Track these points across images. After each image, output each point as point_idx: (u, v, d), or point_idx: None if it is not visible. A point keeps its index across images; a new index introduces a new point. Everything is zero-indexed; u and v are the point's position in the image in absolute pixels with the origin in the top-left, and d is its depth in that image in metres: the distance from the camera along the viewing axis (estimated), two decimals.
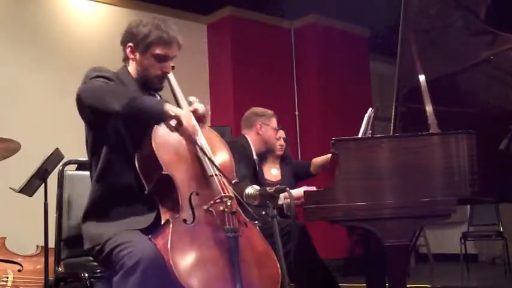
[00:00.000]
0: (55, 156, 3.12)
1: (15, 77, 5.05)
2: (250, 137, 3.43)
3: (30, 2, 5.33)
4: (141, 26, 2.20)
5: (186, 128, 2.04)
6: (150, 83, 2.24)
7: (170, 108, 2.02)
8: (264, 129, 3.45)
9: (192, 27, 6.35)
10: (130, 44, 2.23)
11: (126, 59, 2.28)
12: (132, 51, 2.23)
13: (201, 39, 6.48)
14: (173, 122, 2.05)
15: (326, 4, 6.10)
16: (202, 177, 2.11)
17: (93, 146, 2.15)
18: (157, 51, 2.18)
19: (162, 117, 2.02)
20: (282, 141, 3.76)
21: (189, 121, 2.06)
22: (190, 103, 2.24)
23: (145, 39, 2.18)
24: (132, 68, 2.27)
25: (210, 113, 2.40)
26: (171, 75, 2.27)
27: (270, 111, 3.53)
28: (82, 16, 5.65)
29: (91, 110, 2.02)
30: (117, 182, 2.10)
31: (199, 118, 2.21)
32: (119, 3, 5.90)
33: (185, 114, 2.06)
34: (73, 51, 5.45)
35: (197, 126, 2.11)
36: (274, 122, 3.51)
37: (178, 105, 2.23)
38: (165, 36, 2.18)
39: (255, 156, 3.37)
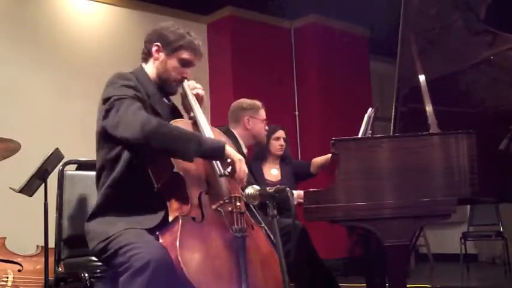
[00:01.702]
0: (55, 156, 3.12)
1: (15, 77, 5.05)
2: (238, 131, 3.30)
3: (30, 2, 5.33)
4: (173, 29, 2.26)
5: (238, 175, 2.03)
6: (168, 86, 2.27)
7: (229, 152, 2.03)
8: (252, 123, 3.33)
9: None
10: (157, 43, 2.25)
11: (146, 58, 2.29)
12: (158, 51, 2.25)
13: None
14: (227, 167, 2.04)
15: (326, 4, 6.09)
16: (212, 177, 2.12)
17: (108, 160, 2.12)
18: (185, 55, 2.25)
19: (221, 159, 2.04)
20: (282, 141, 3.75)
21: (242, 167, 2.04)
22: (192, 88, 2.29)
23: (176, 41, 2.24)
24: (150, 67, 2.28)
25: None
26: (185, 81, 2.30)
27: (257, 103, 3.40)
28: (82, 16, 5.65)
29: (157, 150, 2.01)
30: (128, 190, 2.09)
31: (200, 100, 2.28)
32: (119, 3, 5.90)
33: (240, 159, 2.04)
34: (73, 51, 5.45)
35: (247, 170, 2.08)
36: (262, 114, 3.38)
37: (191, 109, 2.26)
38: (195, 43, 2.27)
39: (244, 150, 3.28)
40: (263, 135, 3.44)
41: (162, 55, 2.25)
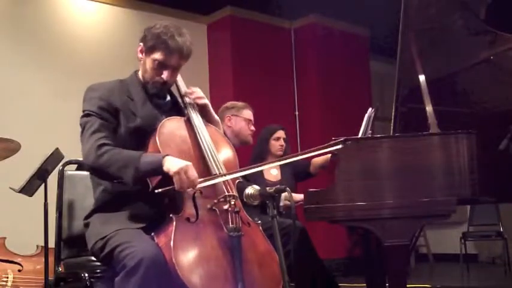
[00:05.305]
0: (55, 156, 3.12)
1: (15, 77, 5.05)
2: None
3: (30, 2, 5.33)
4: (154, 28, 2.19)
5: (179, 187, 1.94)
6: (149, 87, 2.23)
7: (168, 166, 1.94)
8: (234, 121, 3.36)
9: (192, 27, 6.34)
10: (140, 44, 2.23)
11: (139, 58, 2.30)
12: (141, 51, 2.24)
13: (201, 39, 6.48)
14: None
15: (326, 4, 6.09)
16: (206, 176, 2.10)
17: None
18: (157, 56, 2.17)
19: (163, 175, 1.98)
20: (282, 142, 3.75)
21: (182, 179, 1.92)
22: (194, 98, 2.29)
23: (150, 41, 2.17)
24: (140, 68, 2.29)
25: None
26: (179, 79, 2.30)
27: (241, 103, 3.44)
28: (82, 16, 5.65)
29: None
30: (125, 190, 2.10)
31: (200, 109, 2.27)
32: (119, 3, 5.89)
33: (176, 171, 1.92)
34: (73, 51, 5.44)
35: (192, 178, 1.96)
36: (245, 113, 3.40)
37: (185, 107, 2.28)
38: (169, 43, 2.14)
39: None
40: (246, 134, 3.43)
41: (143, 55, 2.23)
